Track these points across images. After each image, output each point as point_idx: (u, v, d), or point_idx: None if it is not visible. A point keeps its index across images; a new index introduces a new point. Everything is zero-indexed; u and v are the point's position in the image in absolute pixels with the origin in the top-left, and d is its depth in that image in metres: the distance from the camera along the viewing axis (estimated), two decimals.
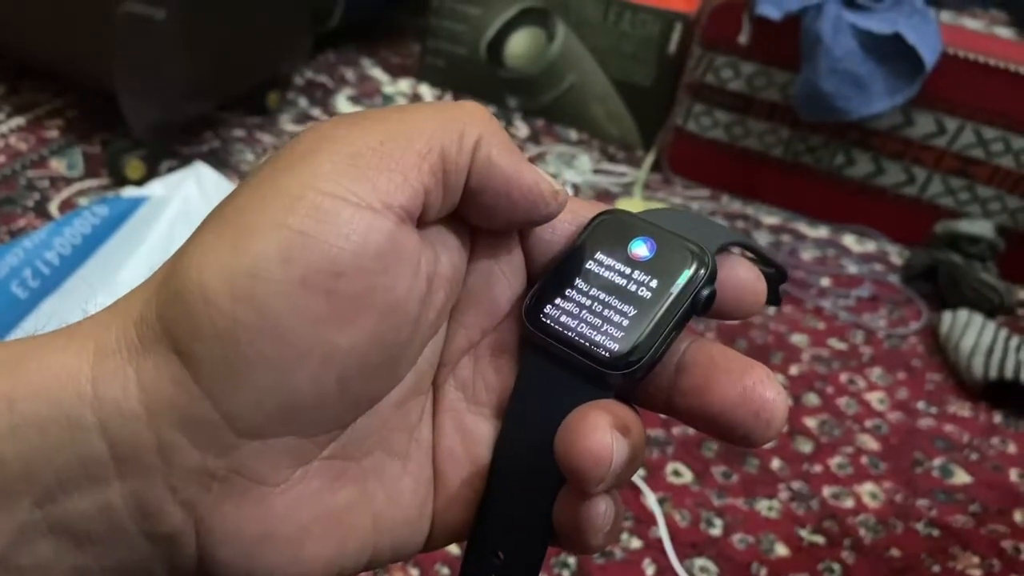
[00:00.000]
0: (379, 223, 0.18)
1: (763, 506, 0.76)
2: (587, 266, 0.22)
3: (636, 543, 0.70)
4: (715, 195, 1.24)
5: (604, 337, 0.21)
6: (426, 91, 1.36)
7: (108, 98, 0.95)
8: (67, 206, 0.95)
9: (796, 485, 0.79)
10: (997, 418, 0.92)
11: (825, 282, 1.10)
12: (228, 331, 0.17)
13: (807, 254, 1.15)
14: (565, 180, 1.20)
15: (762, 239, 1.16)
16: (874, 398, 0.92)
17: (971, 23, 1.29)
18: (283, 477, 0.19)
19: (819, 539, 0.74)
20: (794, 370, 0.94)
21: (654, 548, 0.70)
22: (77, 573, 0.18)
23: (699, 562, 0.70)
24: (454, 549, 0.65)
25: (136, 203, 0.83)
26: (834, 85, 1.07)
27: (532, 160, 1.29)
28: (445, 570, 0.65)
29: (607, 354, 0.20)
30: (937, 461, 0.85)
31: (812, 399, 0.90)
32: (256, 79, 1.12)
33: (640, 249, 0.22)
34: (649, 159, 1.26)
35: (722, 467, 0.79)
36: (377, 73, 1.38)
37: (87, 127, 1.08)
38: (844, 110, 1.10)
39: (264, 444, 0.18)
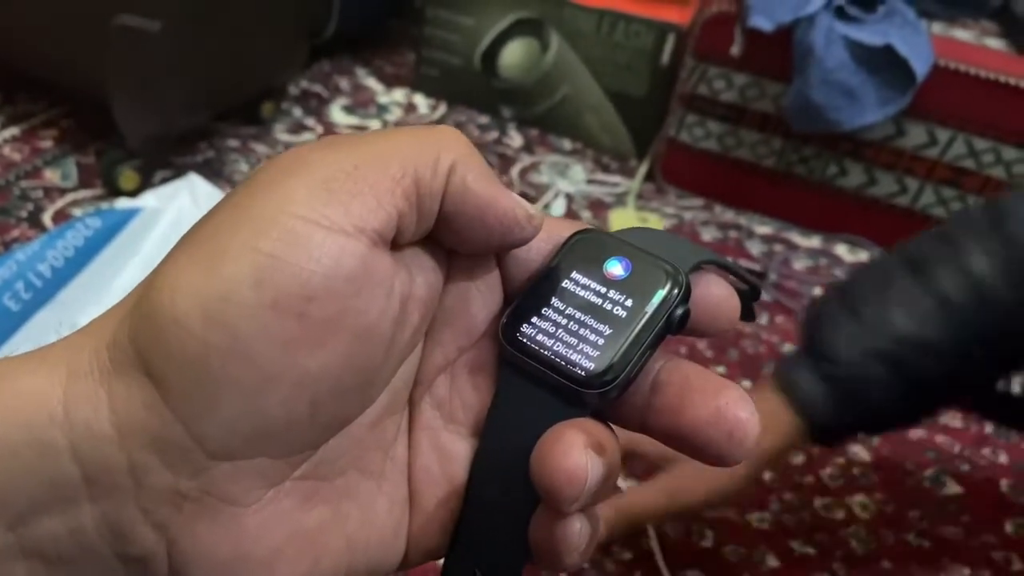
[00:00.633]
0: (351, 246, 0.18)
1: (754, 517, 0.76)
2: (563, 285, 0.22)
3: (627, 555, 0.70)
4: (708, 205, 1.24)
5: (580, 356, 0.21)
6: (421, 101, 1.36)
7: (103, 109, 0.95)
8: (61, 217, 0.95)
9: (787, 496, 0.79)
10: (988, 429, 0.92)
11: (818, 291, 1.11)
12: (199, 355, 0.17)
13: (799, 264, 1.15)
14: (559, 190, 1.20)
15: (755, 249, 1.17)
16: None
17: (962, 34, 1.30)
18: (255, 498, 0.19)
19: (810, 550, 0.74)
20: None
21: (645, 560, 0.70)
22: None
23: (690, 574, 0.70)
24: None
25: (129, 215, 0.83)
26: (826, 96, 1.08)
27: (526, 170, 1.28)
28: None
29: (583, 373, 0.21)
30: (928, 472, 0.85)
31: None
32: (252, 91, 1.13)
33: (615, 268, 0.22)
34: (642, 169, 1.26)
35: None
36: (372, 83, 1.39)
37: (81, 137, 1.08)
38: (836, 121, 1.10)
39: (236, 465, 0.18)
